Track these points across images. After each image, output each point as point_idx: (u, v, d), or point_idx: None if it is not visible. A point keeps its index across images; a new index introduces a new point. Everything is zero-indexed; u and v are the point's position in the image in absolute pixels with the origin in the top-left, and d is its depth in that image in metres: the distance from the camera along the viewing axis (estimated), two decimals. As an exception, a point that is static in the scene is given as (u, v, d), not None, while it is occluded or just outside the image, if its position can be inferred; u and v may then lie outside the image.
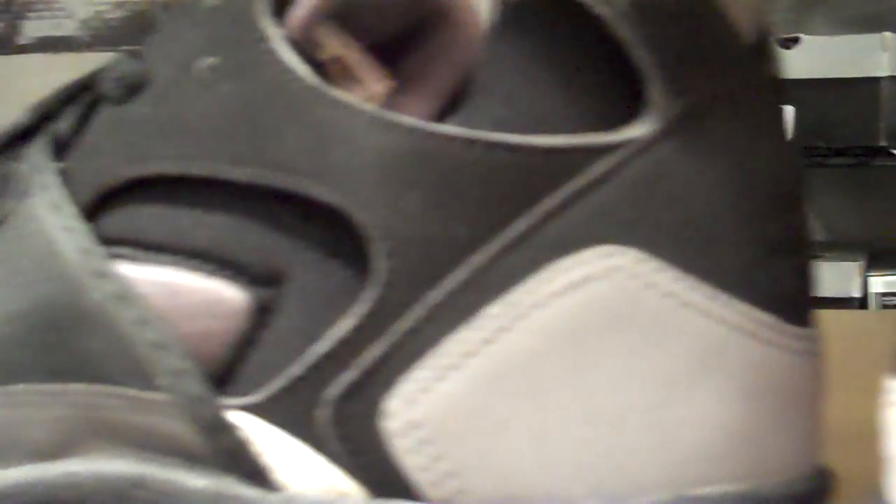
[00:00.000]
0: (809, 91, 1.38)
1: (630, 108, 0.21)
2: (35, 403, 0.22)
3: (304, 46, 0.23)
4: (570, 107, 0.21)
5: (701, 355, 0.21)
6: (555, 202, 0.20)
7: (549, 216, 0.21)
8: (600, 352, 0.20)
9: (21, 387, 0.22)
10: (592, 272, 0.21)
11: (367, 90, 0.24)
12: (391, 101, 0.24)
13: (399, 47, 0.25)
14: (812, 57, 1.37)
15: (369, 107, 0.21)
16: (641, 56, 0.20)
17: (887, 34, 1.24)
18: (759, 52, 0.22)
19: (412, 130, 0.20)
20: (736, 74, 0.21)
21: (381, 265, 0.20)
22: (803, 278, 0.22)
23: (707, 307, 0.21)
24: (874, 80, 1.26)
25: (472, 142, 0.20)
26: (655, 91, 0.21)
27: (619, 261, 0.21)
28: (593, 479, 0.20)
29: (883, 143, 1.17)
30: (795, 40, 1.44)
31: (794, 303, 0.22)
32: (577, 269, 0.21)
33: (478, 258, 0.20)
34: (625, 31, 0.20)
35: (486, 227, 0.20)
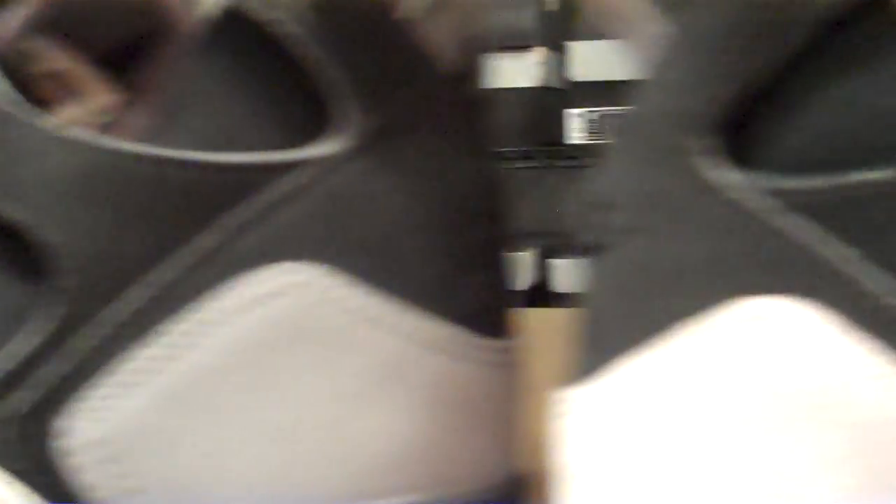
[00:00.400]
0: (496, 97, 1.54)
1: (321, 126, 0.21)
2: None
3: (14, 61, 0.23)
4: (260, 124, 0.21)
5: (382, 370, 0.21)
6: (238, 219, 0.21)
7: (233, 233, 0.21)
8: (281, 367, 0.21)
9: None
10: (276, 288, 0.21)
11: (93, 104, 0.24)
12: (123, 113, 0.24)
13: (130, 59, 0.25)
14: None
15: (49, 124, 0.21)
16: (331, 77, 0.21)
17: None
18: (458, 76, 0.22)
19: (88, 147, 0.20)
20: (430, 97, 0.22)
21: (63, 283, 0.21)
22: (496, 292, 0.23)
23: (394, 322, 0.21)
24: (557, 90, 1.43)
25: (141, 157, 0.20)
26: (345, 110, 0.21)
27: (304, 277, 0.21)
28: (268, 494, 0.20)
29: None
30: None
31: (485, 316, 0.23)
32: (260, 286, 0.21)
33: (161, 275, 0.21)
34: (313, 52, 0.21)
35: (165, 244, 0.20)
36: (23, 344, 0.21)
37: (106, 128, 0.24)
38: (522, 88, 1.66)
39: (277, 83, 0.21)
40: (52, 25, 0.24)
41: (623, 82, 0.21)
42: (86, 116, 0.24)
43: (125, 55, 0.25)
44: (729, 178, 0.18)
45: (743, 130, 0.18)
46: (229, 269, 0.21)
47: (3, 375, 0.20)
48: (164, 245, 0.21)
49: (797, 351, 0.17)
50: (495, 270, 0.23)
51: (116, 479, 0.21)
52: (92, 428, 0.21)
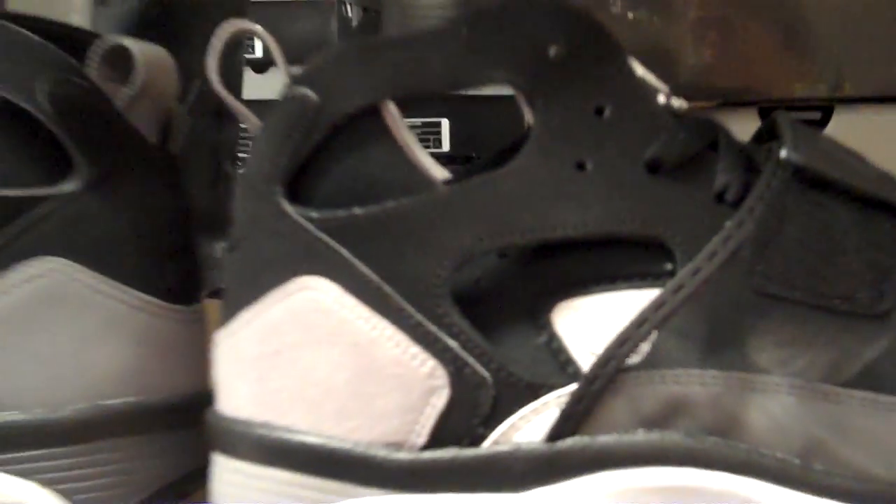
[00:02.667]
0: (461, 105, 1.61)
1: (65, 172, 0.35)
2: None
3: None
4: (28, 168, 0.35)
5: (105, 323, 0.35)
6: (9, 234, 0.34)
7: (4, 242, 0.34)
8: (43, 320, 0.34)
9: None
10: (39, 272, 0.34)
11: None
12: None
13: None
14: None
15: None
16: (68, 142, 0.34)
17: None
18: (161, 141, 0.36)
19: None
20: (135, 153, 0.35)
21: None
22: (186, 277, 0.37)
23: (113, 293, 0.35)
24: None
25: None
26: (78, 163, 0.34)
27: (56, 266, 0.34)
28: (46, 397, 0.34)
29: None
30: None
31: (176, 291, 0.36)
32: (28, 271, 0.34)
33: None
34: (56, 127, 0.34)
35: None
36: None
37: None
38: None
39: (34, 144, 0.35)
40: None
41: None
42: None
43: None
44: (290, 208, 0.32)
45: (296, 183, 0.32)
46: (9, 260, 0.34)
47: None
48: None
49: (325, 305, 0.31)
50: (184, 263, 0.37)
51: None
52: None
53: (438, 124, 1.21)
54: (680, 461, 0.30)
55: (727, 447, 0.30)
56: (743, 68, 0.59)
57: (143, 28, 0.69)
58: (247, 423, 0.32)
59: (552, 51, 0.31)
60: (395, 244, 0.31)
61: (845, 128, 0.60)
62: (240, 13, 0.87)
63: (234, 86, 0.80)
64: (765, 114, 0.59)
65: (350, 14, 1.99)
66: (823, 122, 0.59)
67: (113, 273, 0.35)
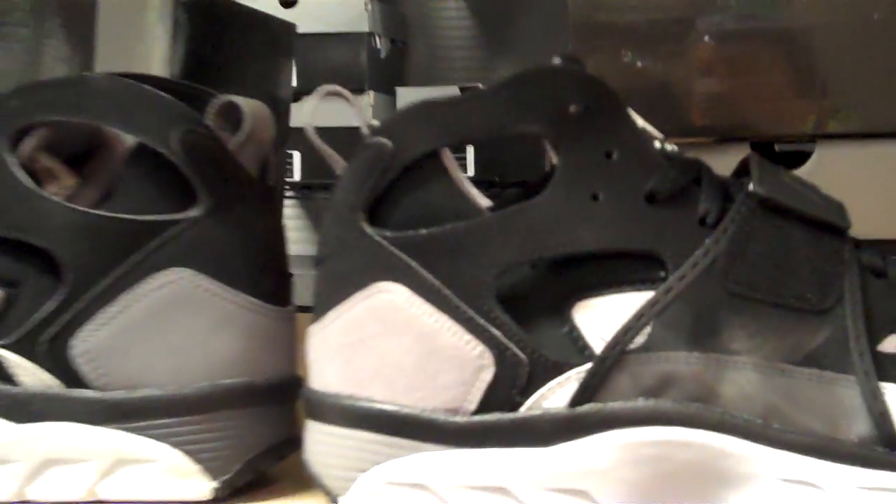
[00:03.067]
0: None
1: (191, 202, 0.44)
2: None
3: (30, 165, 0.46)
4: (158, 200, 0.44)
5: (221, 321, 0.44)
6: (149, 247, 0.44)
7: (149, 253, 0.44)
8: (175, 319, 0.44)
9: None
10: (170, 279, 0.44)
11: (63, 184, 0.47)
12: (76, 190, 0.47)
13: (83, 159, 0.48)
14: None
15: (56, 198, 0.44)
16: (193, 179, 0.44)
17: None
18: (261, 176, 0.46)
19: (70, 209, 0.43)
20: (243, 187, 0.45)
21: (66, 276, 0.43)
22: (283, 284, 0.46)
23: (228, 297, 0.45)
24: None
25: (97, 218, 0.43)
26: (200, 194, 0.44)
27: (184, 275, 0.44)
28: (177, 377, 0.44)
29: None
30: (476, 90, 1.83)
31: (276, 294, 0.46)
32: (163, 278, 0.44)
33: (115, 274, 0.43)
34: (185, 168, 0.44)
35: (116, 259, 0.43)
36: (51, 304, 0.43)
37: (70, 198, 0.46)
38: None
39: (168, 180, 0.44)
40: (43, 146, 0.47)
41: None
42: (61, 191, 0.47)
43: (82, 158, 0.48)
44: (370, 230, 0.41)
45: (374, 210, 0.41)
46: (148, 270, 0.44)
47: (42, 319, 0.43)
48: (115, 260, 0.43)
49: (398, 304, 0.41)
50: (280, 272, 0.46)
51: (100, 374, 0.44)
52: (84, 346, 0.43)
53: (464, 150, 1.31)
54: (670, 422, 0.39)
55: (706, 410, 0.39)
56: (735, 110, 0.68)
57: (203, 66, 0.78)
58: (335, 396, 0.42)
59: (572, 108, 0.41)
60: (452, 257, 0.41)
61: (828, 161, 0.69)
62: (287, 50, 0.97)
63: (284, 115, 0.90)
64: (755, 148, 0.69)
65: (379, 45, 2.12)
66: (806, 155, 0.68)
67: (227, 280, 0.44)
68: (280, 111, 0.92)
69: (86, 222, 0.44)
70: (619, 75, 0.68)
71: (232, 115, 0.45)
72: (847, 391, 0.39)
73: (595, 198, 0.41)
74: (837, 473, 0.38)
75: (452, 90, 2.30)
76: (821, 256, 0.41)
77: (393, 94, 2.50)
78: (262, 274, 0.45)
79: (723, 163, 0.47)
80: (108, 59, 0.70)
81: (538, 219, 0.40)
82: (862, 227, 0.66)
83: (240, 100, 0.45)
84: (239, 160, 0.45)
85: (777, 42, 0.68)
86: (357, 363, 0.42)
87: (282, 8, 2.35)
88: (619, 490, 0.40)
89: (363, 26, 2.30)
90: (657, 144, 0.42)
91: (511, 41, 2.58)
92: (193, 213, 0.44)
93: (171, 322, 0.44)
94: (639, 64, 0.69)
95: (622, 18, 0.69)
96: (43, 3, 0.68)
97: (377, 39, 2.29)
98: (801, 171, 0.68)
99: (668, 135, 0.58)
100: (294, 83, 1.36)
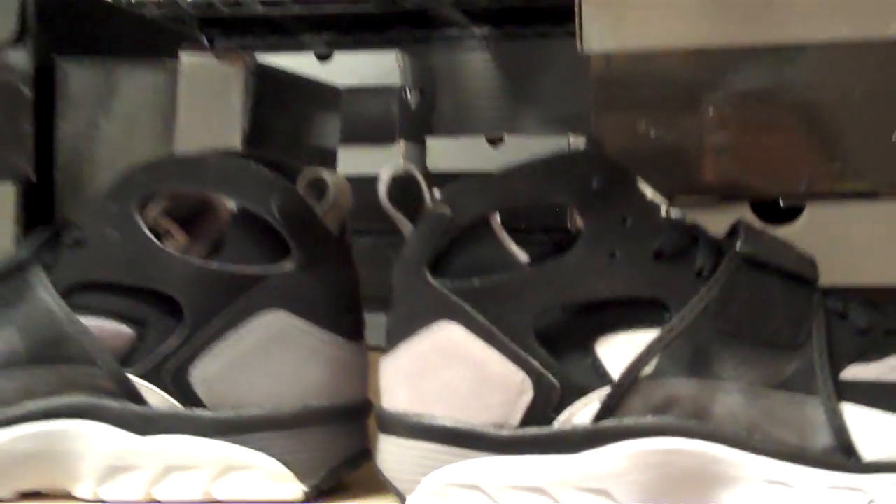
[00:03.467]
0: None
1: (286, 255, 0.55)
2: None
3: (152, 226, 0.56)
4: (259, 255, 0.55)
5: (312, 354, 0.55)
6: (253, 293, 0.54)
7: (252, 298, 0.54)
8: (275, 352, 0.54)
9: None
10: (270, 321, 0.54)
11: (177, 242, 0.58)
12: (188, 246, 0.58)
13: (193, 220, 0.59)
14: (515, 154, 1.94)
15: (176, 253, 0.54)
16: (287, 237, 0.54)
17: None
18: (340, 235, 0.56)
19: (189, 262, 0.54)
20: (327, 245, 0.55)
21: (188, 317, 0.54)
22: (358, 322, 0.57)
23: (316, 334, 0.55)
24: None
25: (211, 269, 0.54)
26: (293, 250, 0.55)
27: (281, 316, 0.54)
28: (274, 399, 0.54)
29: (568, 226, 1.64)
30: (501, 139, 1.99)
31: (353, 332, 0.56)
32: (259, 321, 0.54)
33: (226, 313, 0.54)
34: (282, 228, 0.54)
35: (225, 302, 0.54)
36: (174, 340, 0.54)
37: (182, 253, 0.57)
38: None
39: (267, 238, 0.55)
40: (162, 213, 0.57)
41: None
42: (176, 247, 0.57)
43: (192, 220, 0.59)
44: (432, 280, 0.52)
45: (436, 264, 0.52)
46: (252, 311, 0.54)
47: (167, 352, 0.54)
48: (225, 304, 0.54)
49: (455, 340, 0.51)
50: (356, 315, 0.57)
51: (213, 396, 0.54)
52: (200, 374, 0.54)
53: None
54: (672, 434, 0.49)
55: (701, 425, 0.49)
56: (737, 171, 0.79)
57: (270, 128, 0.89)
58: (404, 414, 0.52)
59: (594, 183, 0.51)
60: (498, 302, 0.51)
61: (818, 218, 0.79)
62: (335, 110, 1.08)
63: (332, 164, 1.02)
64: (754, 205, 0.79)
65: (409, 98, 2.25)
66: (797, 212, 0.79)
67: (314, 320, 0.55)
68: (329, 161, 1.04)
69: (202, 273, 0.54)
70: (635, 141, 0.78)
71: (318, 186, 0.56)
72: (813, 410, 0.49)
73: (612, 255, 0.51)
74: (806, 475, 0.49)
75: (479, 141, 2.41)
76: (793, 302, 0.51)
77: (422, 144, 2.64)
78: (342, 315, 0.56)
79: (724, 218, 0.57)
80: (191, 130, 0.81)
81: (567, 272, 0.51)
82: (848, 273, 0.77)
83: (325, 173, 0.56)
84: (324, 223, 0.55)
85: (773, 114, 0.78)
86: (422, 387, 0.52)
87: (318, 62, 2.47)
88: (632, 490, 0.50)
89: (395, 80, 2.42)
90: (663, 211, 0.52)
91: (534, 93, 2.69)
92: (287, 265, 0.55)
93: (269, 355, 0.54)
94: (652, 133, 0.79)
95: (637, 93, 0.80)
96: (140, 83, 0.79)
97: (408, 92, 2.41)
98: (796, 224, 0.78)
99: (677, 192, 0.69)
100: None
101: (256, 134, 0.83)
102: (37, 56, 0.83)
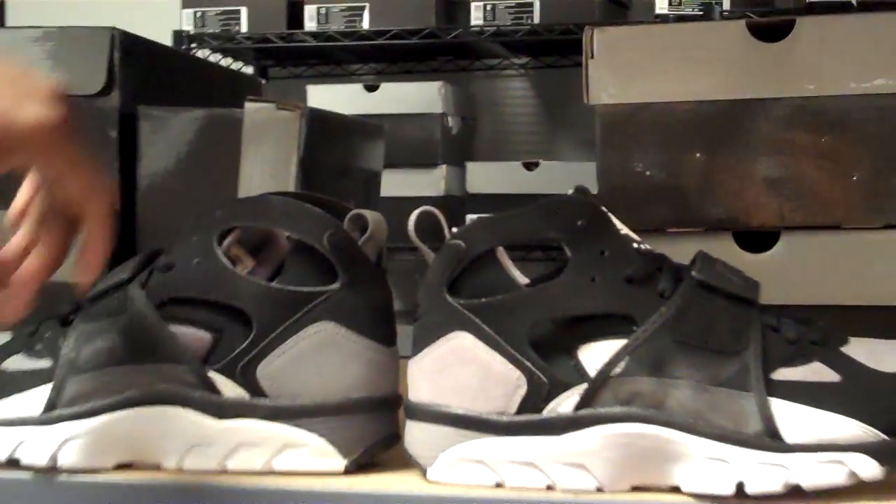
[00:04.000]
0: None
1: (333, 279, 0.69)
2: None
3: (227, 253, 0.70)
4: (312, 277, 0.69)
5: (354, 357, 0.68)
6: (309, 309, 0.68)
7: (306, 313, 0.68)
8: (325, 356, 0.68)
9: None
10: (318, 331, 0.68)
11: (246, 266, 0.72)
12: (255, 270, 0.72)
13: (259, 249, 0.73)
14: (549, 178, 2.15)
15: (245, 274, 0.69)
16: (335, 264, 0.68)
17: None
18: (377, 262, 0.70)
19: (257, 283, 0.68)
20: (366, 270, 0.69)
21: (255, 327, 0.68)
22: (393, 331, 0.70)
23: (358, 341, 0.69)
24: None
25: (274, 289, 0.68)
26: (340, 274, 0.68)
27: (328, 326, 0.68)
28: (323, 391, 0.68)
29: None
30: (536, 164, 2.16)
31: (389, 338, 0.70)
32: (312, 330, 0.68)
33: (285, 324, 0.68)
34: (329, 256, 0.68)
35: (288, 314, 0.68)
36: (244, 344, 0.68)
37: (252, 274, 0.71)
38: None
39: (319, 264, 0.69)
40: (235, 242, 0.72)
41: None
42: (245, 270, 0.72)
43: (258, 249, 0.73)
44: (450, 298, 0.65)
45: (452, 286, 0.66)
46: (307, 322, 0.68)
47: (240, 353, 0.68)
48: (285, 316, 0.68)
49: (466, 346, 0.65)
50: (391, 324, 0.71)
51: (275, 389, 0.68)
52: (265, 371, 0.68)
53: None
54: (636, 421, 0.63)
55: (658, 414, 0.63)
56: (720, 208, 0.92)
57: (323, 164, 1.02)
58: (427, 404, 0.66)
59: (579, 223, 0.65)
60: (502, 316, 0.65)
61: (790, 246, 0.92)
62: (379, 143, 1.23)
63: (377, 187, 1.16)
64: (735, 235, 0.92)
65: (451, 124, 2.43)
66: (773, 241, 0.92)
67: (356, 330, 0.69)
68: (373, 185, 1.19)
69: (267, 292, 0.68)
70: (633, 179, 0.92)
71: (360, 223, 0.70)
72: (747, 403, 0.62)
73: (593, 280, 0.64)
74: (740, 454, 0.62)
75: (515, 165, 2.53)
76: (735, 318, 0.64)
77: (463, 168, 2.79)
78: (378, 326, 0.70)
79: (710, 245, 0.70)
80: (253, 169, 0.96)
81: (556, 293, 0.64)
82: (814, 292, 0.90)
83: (365, 212, 0.70)
84: (364, 252, 0.69)
85: (751, 159, 0.91)
86: (440, 383, 0.66)
87: (366, 92, 2.62)
88: (605, 464, 0.63)
89: (437, 107, 2.58)
90: (634, 245, 0.66)
91: (569, 120, 2.82)
92: (335, 286, 0.68)
93: (320, 356, 0.68)
94: (647, 173, 0.93)
95: (634, 139, 0.93)
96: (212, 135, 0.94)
97: (449, 119, 2.56)
98: (772, 252, 0.91)
99: (670, 223, 0.83)
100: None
101: (310, 170, 0.97)
102: (122, 104, 0.98)
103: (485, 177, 2.50)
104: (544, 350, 0.65)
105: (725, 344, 0.64)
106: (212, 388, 0.68)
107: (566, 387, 0.64)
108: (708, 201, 0.92)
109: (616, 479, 0.63)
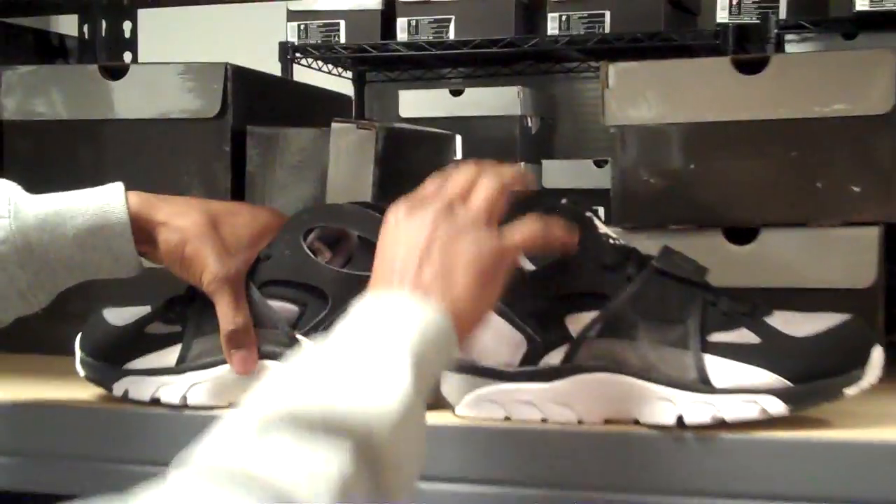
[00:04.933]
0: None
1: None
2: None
3: (310, 246, 0.95)
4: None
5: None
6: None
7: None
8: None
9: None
10: (378, 304, 0.92)
11: (325, 257, 0.96)
12: (331, 259, 0.96)
13: (335, 242, 0.97)
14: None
15: (325, 263, 0.92)
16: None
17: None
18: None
19: (333, 269, 0.92)
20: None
21: (331, 302, 0.92)
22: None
23: (405, 312, 0.92)
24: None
25: (346, 273, 0.92)
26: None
27: (385, 301, 0.92)
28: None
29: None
30: (606, 161, 2.37)
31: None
32: (374, 303, 0.92)
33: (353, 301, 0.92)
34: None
35: (343, 302, 0.91)
36: (323, 315, 0.92)
37: (329, 263, 0.95)
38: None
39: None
40: (317, 237, 0.96)
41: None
42: (324, 260, 0.95)
43: (334, 243, 0.97)
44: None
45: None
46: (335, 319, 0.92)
47: (320, 321, 0.92)
48: (355, 292, 0.92)
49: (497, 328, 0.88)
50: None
51: (342, 347, 0.92)
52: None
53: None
54: (606, 371, 0.85)
55: (623, 366, 0.85)
56: (710, 207, 1.13)
57: (397, 174, 1.26)
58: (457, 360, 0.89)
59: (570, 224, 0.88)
60: (510, 294, 0.87)
61: (768, 239, 1.13)
62: (451, 150, 1.47)
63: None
64: (723, 230, 1.14)
65: (530, 124, 2.71)
66: (754, 235, 1.13)
67: (405, 304, 0.92)
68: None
69: (340, 276, 0.92)
70: (638, 186, 1.14)
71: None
72: (688, 357, 0.84)
73: (578, 267, 0.87)
74: (682, 395, 0.84)
75: (586, 163, 2.75)
76: (682, 295, 0.86)
77: (540, 165, 3.03)
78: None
79: (701, 240, 0.92)
80: (338, 179, 1.20)
81: (552, 276, 0.87)
82: (788, 277, 1.11)
83: (413, 216, 0.93)
84: (412, 246, 0.93)
85: (737, 168, 1.13)
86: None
87: (452, 97, 2.86)
88: (583, 403, 0.86)
89: (515, 110, 2.82)
90: (611, 240, 0.88)
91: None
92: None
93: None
94: (644, 177, 1.15)
95: (643, 153, 1.15)
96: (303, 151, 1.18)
97: (528, 119, 2.79)
98: (753, 244, 1.12)
99: (670, 221, 1.05)
100: (459, 156, 1.89)
101: (385, 177, 1.21)
102: (234, 124, 1.23)
103: (559, 173, 2.72)
104: (541, 319, 0.87)
105: (673, 314, 0.86)
106: (298, 347, 0.92)
107: (555, 346, 0.87)
108: (700, 202, 1.14)
109: (592, 414, 0.86)
